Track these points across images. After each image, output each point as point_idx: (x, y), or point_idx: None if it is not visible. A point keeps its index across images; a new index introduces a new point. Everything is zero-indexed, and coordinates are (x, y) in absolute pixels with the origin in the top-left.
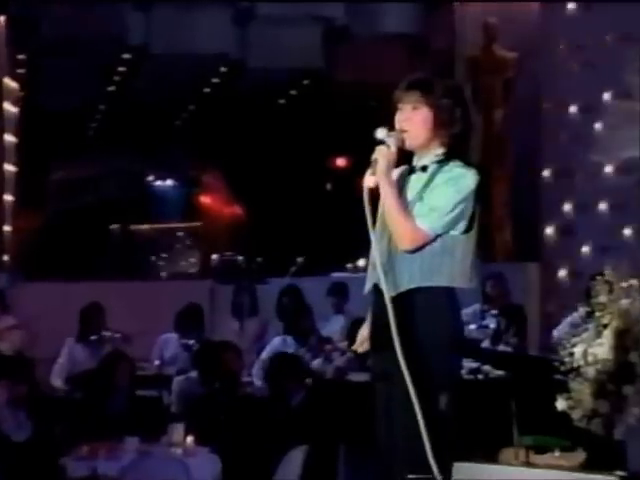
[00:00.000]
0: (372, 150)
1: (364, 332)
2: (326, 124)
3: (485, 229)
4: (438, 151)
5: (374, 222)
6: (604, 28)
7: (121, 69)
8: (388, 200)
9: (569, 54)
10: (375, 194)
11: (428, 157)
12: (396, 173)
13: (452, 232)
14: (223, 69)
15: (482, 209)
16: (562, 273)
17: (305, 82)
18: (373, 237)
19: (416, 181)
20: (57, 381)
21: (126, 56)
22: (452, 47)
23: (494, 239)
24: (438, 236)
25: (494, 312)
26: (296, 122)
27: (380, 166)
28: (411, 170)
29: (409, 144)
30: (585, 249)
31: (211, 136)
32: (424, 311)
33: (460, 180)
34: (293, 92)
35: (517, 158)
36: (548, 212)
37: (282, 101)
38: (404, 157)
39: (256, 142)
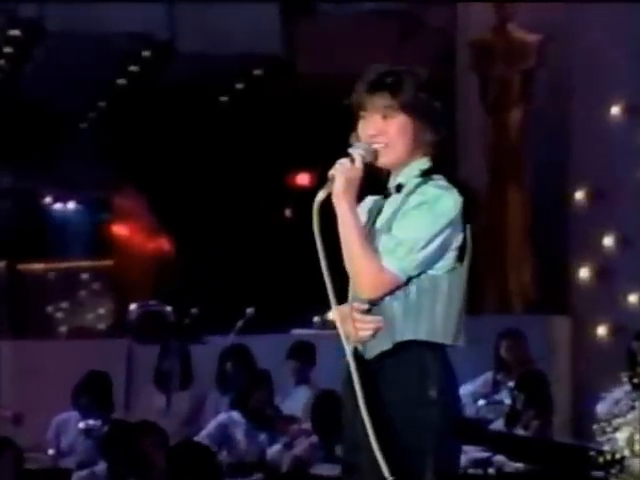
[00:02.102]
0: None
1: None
2: (285, 129)
3: (498, 269)
4: (421, 164)
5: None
6: None
7: (7, 50)
8: (344, 229)
9: (609, 38)
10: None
11: (407, 173)
12: (369, 202)
13: (431, 271)
14: (145, 54)
15: (478, 241)
16: (601, 330)
17: (256, 73)
18: (325, 272)
19: (389, 206)
20: None
21: (13, 33)
22: (453, 27)
23: (509, 283)
24: (412, 278)
25: (511, 383)
26: (244, 126)
27: (337, 185)
28: (386, 194)
29: (386, 161)
30: (632, 298)
31: (128, 144)
32: (399, 374)
33: (436, 205)
34: (240, 86)
35: (539, 174)
36: (581, 247)
37: (225, 98)
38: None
39: (190, 153)
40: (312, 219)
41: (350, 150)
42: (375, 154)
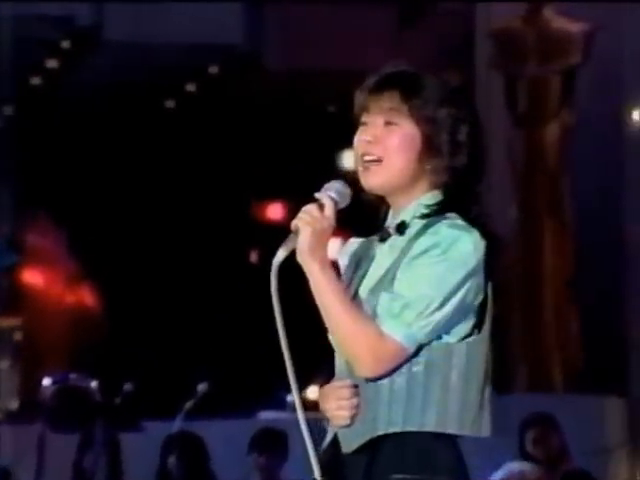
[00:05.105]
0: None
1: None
2: (250, 143)
3: (531, 333)
4: (427, 198)
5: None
6: None
7: None
8: (319, 294)
9: None
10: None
11: (409, 209)
12: (353, 246)
13: (445, 338)
14: (65, 45)
15: (502, 296)
16: None
17: (212, 71)
18: (286, 354)
19: (388, 252)
20: None
21: None
22: (471, 12)
23: (547, 352)
24: (421, 347)
25: None
26: (197, 139)
27: (301, 240)
28: (382, 236)
29: (376, 183)
30: None
31: (42, 162)
32: (398, 467)
33: (451, 250)
34: (190, 88)
35: (585, 205)
36: None
37: (171, 102)
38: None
39: (125, 175)
40: (270, 284)
41: (318, 194)
42: (349, 196)
